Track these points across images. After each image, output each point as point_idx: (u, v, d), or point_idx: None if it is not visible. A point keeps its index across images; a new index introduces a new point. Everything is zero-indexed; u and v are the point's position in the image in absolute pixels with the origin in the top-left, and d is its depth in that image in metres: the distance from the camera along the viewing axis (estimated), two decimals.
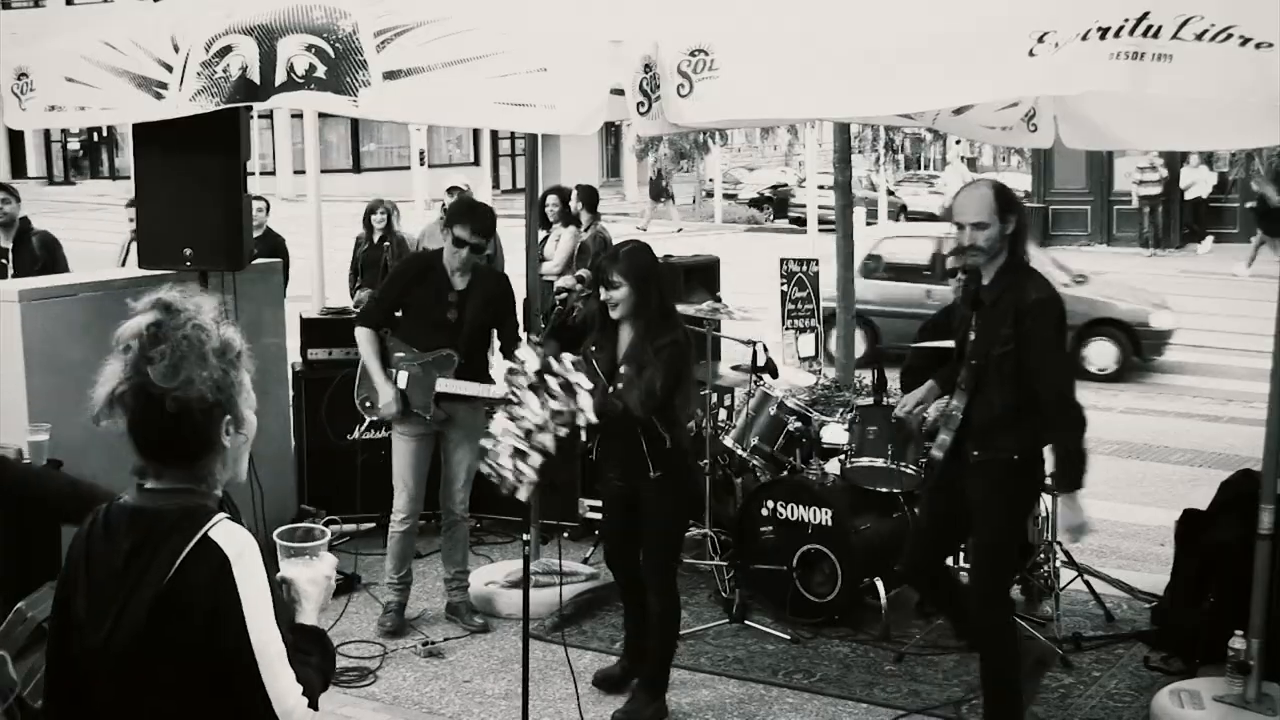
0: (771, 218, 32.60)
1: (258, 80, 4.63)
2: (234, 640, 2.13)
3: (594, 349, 5.00)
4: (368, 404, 5.89)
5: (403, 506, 5.88)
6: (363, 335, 5.85)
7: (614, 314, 4.91)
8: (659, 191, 30.15)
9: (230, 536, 2.16)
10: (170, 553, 2.14)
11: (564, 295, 5.22)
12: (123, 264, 8.19)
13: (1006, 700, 4.62)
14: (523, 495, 4.27)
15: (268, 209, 9.52)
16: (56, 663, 2.30)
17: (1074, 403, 4.42)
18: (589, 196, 11.27)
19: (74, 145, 41.47)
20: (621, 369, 4.89)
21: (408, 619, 6.05)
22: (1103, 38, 3.45)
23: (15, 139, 39.66)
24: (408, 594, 6.06)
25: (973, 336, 4.59)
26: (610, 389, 4.85)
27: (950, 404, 4.66)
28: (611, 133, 38.70)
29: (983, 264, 4.53)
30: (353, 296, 10.60)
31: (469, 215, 5.82)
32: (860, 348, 11.71)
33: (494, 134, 35.36)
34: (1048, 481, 5.92)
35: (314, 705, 2.24)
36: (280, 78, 4.58)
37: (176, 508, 2.19)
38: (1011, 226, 4.47)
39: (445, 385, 5.73)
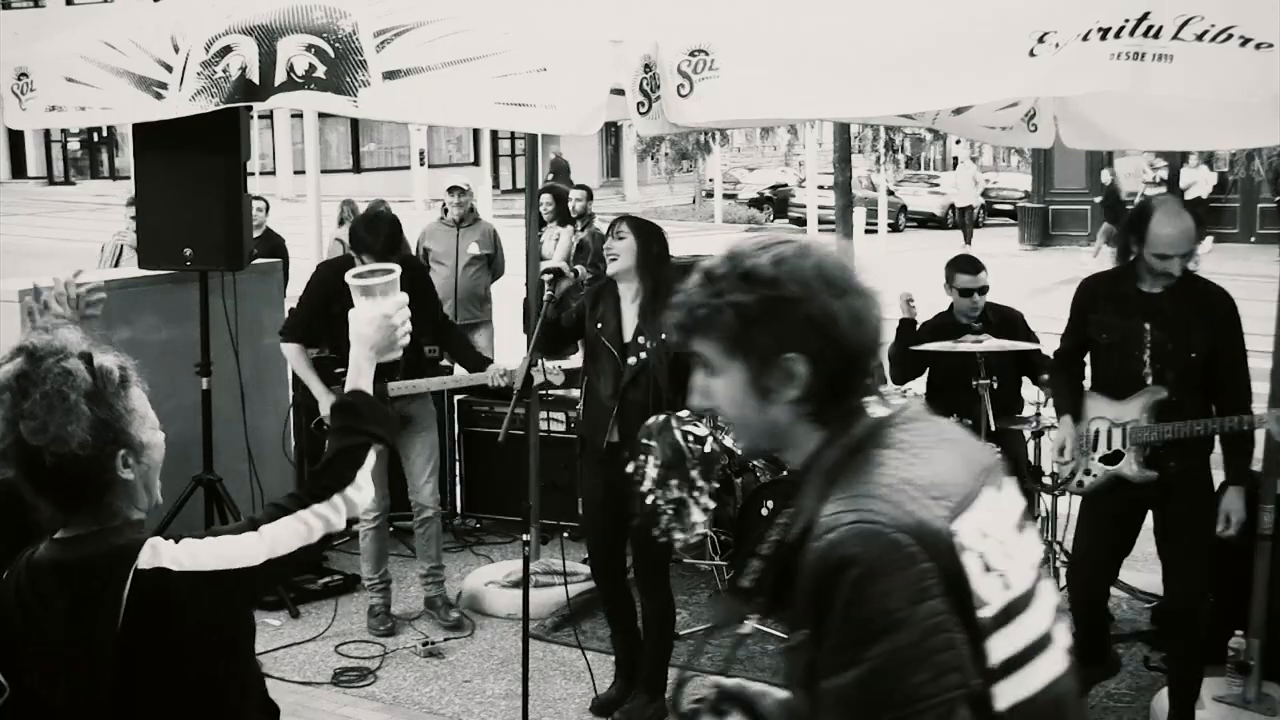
0: (771, 218, 32.65)
1: (257, 80, 4.63)
2: (249, 580, 2.17)
3: (600, 326, 4.97)
4: (324, 426, 5.82)
5: (374, 505, 5.86)
6: (291, 350, 5.83)
7: (614, 267, 4.86)
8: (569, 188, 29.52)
9: (158, 552, 2.11)
10: (111, 604, 2.08)
11: (551, 276, 5.15)
12: (115, 263, 8.08)
13: (1195, 686, 4.75)
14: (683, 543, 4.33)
15: (268, 209, 9.52)
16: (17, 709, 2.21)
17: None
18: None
19: (74, 145, 41.47)
20: (641, 339, 4.84)
21: (406, 619, 6.06)
22: (1103, 38, 3.45)
23: (15, 139, 39.68)
24: (390, 593, 6.07)
25: (1151, 342, 4.58)
26: (626, 360, 4.85)
27: (1132, 420, 4.61)
28: (611, 133, 38.71)
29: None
30: None
31: (366, 240, 5.62)
32: None
33: (494, 134, 35.37)
34: (1045, 480, 5.95)
35: (349, 481, 2.33)
36: (280, 78, 4.58)
37: (98, 554, 2.13)
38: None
39: (399, 388, 5.68)
